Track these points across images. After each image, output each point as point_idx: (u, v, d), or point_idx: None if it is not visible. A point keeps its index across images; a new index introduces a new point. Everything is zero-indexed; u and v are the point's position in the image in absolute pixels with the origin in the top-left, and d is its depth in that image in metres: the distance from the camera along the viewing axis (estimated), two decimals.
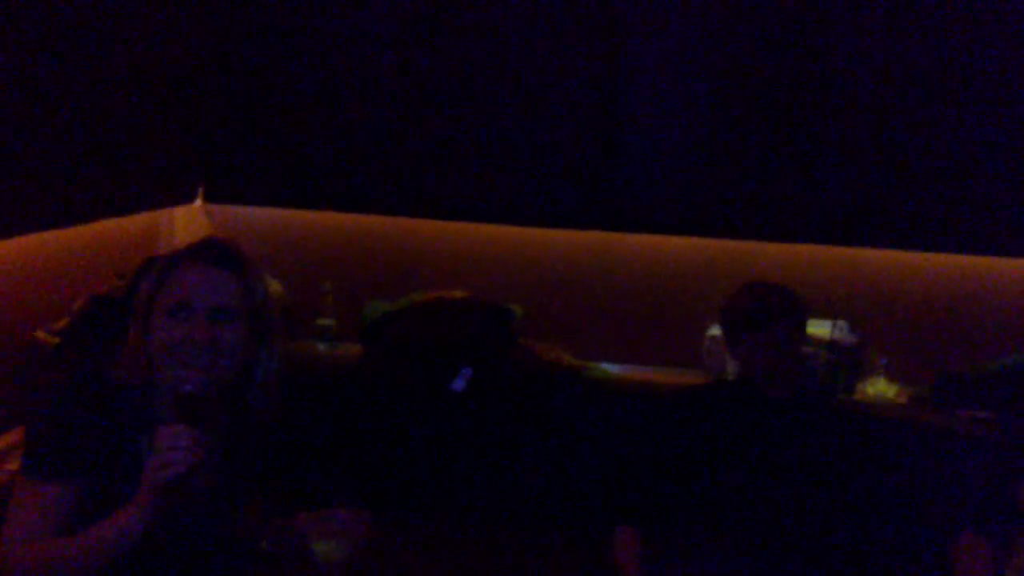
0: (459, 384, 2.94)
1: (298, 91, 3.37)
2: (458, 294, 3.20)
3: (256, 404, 1.84)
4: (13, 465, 2.18)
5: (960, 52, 2.92)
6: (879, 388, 3.04)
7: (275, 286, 3.13)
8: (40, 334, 2.80)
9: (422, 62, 3.21)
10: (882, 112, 2.98)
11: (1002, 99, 2.91)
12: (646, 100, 3.07)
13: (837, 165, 3.01)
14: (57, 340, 2.79)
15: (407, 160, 3.35)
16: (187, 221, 3.51)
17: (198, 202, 3.54)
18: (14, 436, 2.46)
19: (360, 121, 3.34)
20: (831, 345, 3.00)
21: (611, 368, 3.16)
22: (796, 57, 3.00)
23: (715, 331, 2.99)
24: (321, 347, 3.25)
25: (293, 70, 3.34)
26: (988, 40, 2.90)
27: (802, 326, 2.50)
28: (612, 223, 3.17)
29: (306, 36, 3.32)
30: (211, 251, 1.80)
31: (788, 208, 3.04)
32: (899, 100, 2.97)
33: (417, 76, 3.24)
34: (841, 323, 3.03)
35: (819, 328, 3.03)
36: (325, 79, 3.34)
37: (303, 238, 3.53)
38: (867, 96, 2.98)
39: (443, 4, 3.18)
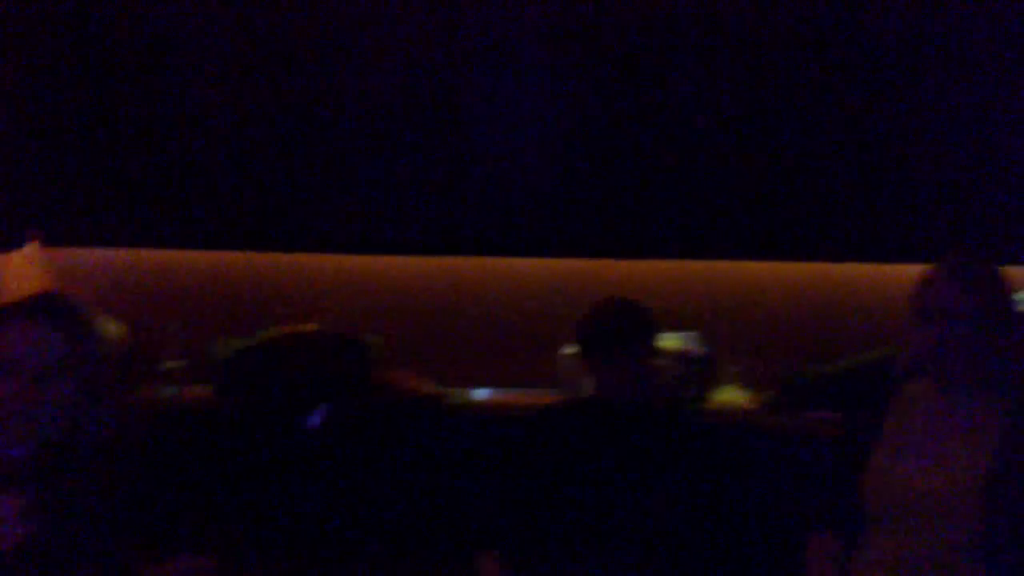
0: (315, 421, 2.90)
1: (136, 129, 3.27)
2: (310, 327, 3.15)
3: (89, 462, 1.75)
4: None
5: (786, 66, 3.04)
6: (731, 396, 3.13)
7: (116, 329, 3.02)
8: None
9: (261, 95, 3.16)
10: (720, 123, 3.07)
11: (835, 106, 3.04)
12: (492, 121, 3.10)
13: (681, 179, 3.09)
14: None
15: (252, 193, 3.29)
16: (19, 267, 3.34)
17: (30, 247, 3.38)
18: None
19: (200, 156, 3.26)
20: (683, 357, 3.07)
21: (471, 393, 3.16)
22: (641, 75, 3.07)
23: (569, 350, 3.02)
24: (169, 390, 3.14)
25: (130, 108, 3.24)
26: (801, 55, 3.04)
27: (654, 341, 2.55)
28: (462, 247, 3.17)
29: (142, 72, 3.23)
30: (36, 307, 1.74)
31: (635, 224, 3.11)
32: (735, 110, 3.07)
33: (256, 109, 3.18)
34: (692, 335, 3.11)
35: (671, 341, 3.10)
36: (163, 115, 3.25)
37: (147, 278, 3.41)
38: (707, 109, 3.07)
39: (282, 34, 3.14)
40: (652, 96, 3.06)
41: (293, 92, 3.18)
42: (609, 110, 3.08)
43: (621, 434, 2.51)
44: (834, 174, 3.08)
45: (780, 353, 3.28)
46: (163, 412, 2.98)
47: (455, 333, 3.38)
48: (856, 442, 2.31)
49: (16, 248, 3.36)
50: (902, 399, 2.27)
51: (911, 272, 2.24)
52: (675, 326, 3.12)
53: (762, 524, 2.77)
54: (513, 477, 2.55)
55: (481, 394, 3.21)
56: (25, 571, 1.59)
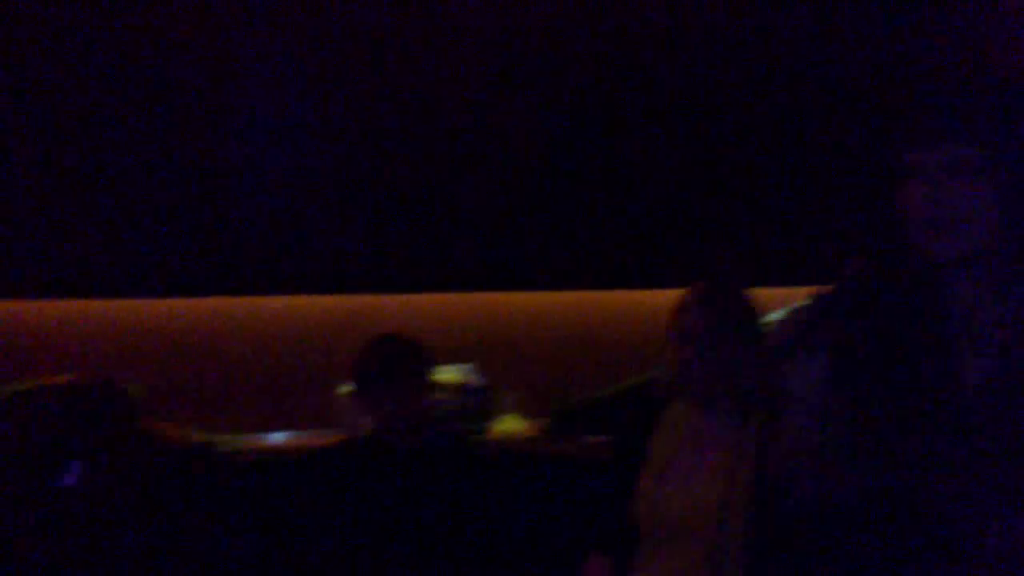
0: (69, 479, 2.71)
1: None
2: (61, 379, 2.94)
3: None
4: None
5: (535, 101, 3.13)
6: (510, 425, 3.17)
7: None
8: None
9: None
10: (484, 155, 3.11)
11: (589, 139, 3.15)
12: (249, 159, 3.01)
13: (447, 213, 3.11)
14: None
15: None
16: None
17: None
18: None
19: None
20: (460, 389, 3.08)
21: (244, 439, 3.05)
22: (400, 110, 3.07)
23: (345, 388, 2.97)
24: None
25: None
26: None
27: (430, 375, 2.55)
28: (225, 287, 3.06)
29: None
30: None
31: (405, 259, 3.10)
32: (498, 143, 3.12)
33: None
34: (468, 366, 3.13)
35: (447, 374, 3.11)
36: None
37: None
38: (474, 143, 3.11)
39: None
40: (415, 130, 3.07)
41: (38, 137, 2.98)
42: (372, 145, 3.07)
43: (399, 473, 2.50)
44: (594, 206, 3.18)
45: (555, 380, 3.35)
46: None
47: (224, 377, 3.25)
48: (625, 465, 2.39)
49: None
50: (665, 421, 2.36)
51: (668, 297, 2.35)
52: (450, 359, 3.13)
53: (540, 549, 2.81)
54: (290, 523, 2.48)
55: (254, 439, 3.09)
56: None
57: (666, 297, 2.40)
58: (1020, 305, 1.57)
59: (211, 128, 2.99)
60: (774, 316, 3.04)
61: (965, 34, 3.01)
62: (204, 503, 2.84)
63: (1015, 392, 1.54)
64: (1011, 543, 1.41)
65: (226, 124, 2.99)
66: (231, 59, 2.98)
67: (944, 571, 1.53)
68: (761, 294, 2.44)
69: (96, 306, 3.20)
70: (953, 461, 1.57)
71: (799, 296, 3.43)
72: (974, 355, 1.58)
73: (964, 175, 1.52)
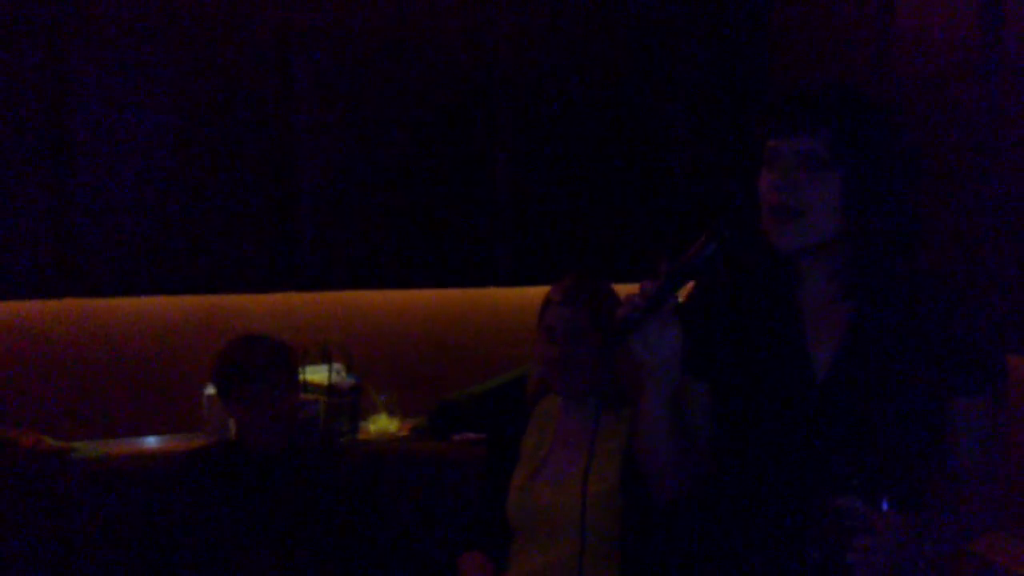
0: None
1: None
2: None
3: None
4: None
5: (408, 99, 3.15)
6: (382, 425, 3.18)
7: None
8: None
9: None
10: (343, 155, 3.11)
11: (455, 138, 3.19)
12: (102, 161, 2.92)
13: (311, 211, 3.09)
14: None
15: None
16: None
17: None
18: None
19: None
20: (330, 389, 3.08)
21: (107, 445, 2.98)
22: (261, 106, 3.04)
23: (212, 390, 2.92)
24: None
25: None
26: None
27: (295, 376, 2.53)
28: (74, 288, 2.96)
29: None
30: None
31: (269, 258, 3.07)
32: (359, 139, 3.12)
33: None
34: (338, 366, 3.12)
35: (316, 374, 3.10)
36: None
37: None
38: (332, 137, 3.10)
39: None
40: (271, 130, 3.04)
41: None
42: (229, 141, 3.01)
43: (263, 477, 2.47)
44: (462, 203, 3.21)
45: (426, 379, 3.38)
46: None
47: (83, 382, 3.15)
48: (498, 462, 2.43)
49: None
50: (536, 417, 2.41)
51: (537, 294, 2.40)
52: (321, 359, 3.12)
53: (414, 548, 2.84)
54: (150, 532, 2.43)
55: (118, 445, 3.02)
56: None
57: (534, 295, 2.45)
58: (864, 297, 1.67)
59: (59, 126, 2.89)
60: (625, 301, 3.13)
61: (819, 29, 3.16)
62: (59, 510, 2.75)
63: (860, 381, 1.64)
64: (838, 521, 1.49)
65: (75, 123, 2.89)
66: (78, 57, 2.88)
67: (794, 555, 1.62)
68: (626, 290, 2.51)
69: None
70: (804, 449, 1.65)
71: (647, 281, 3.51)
72: (823, 345, 1.67)
73: (814, 167, 1.61)
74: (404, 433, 3.19)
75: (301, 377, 3.08)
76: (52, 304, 3.07)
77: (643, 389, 1.66)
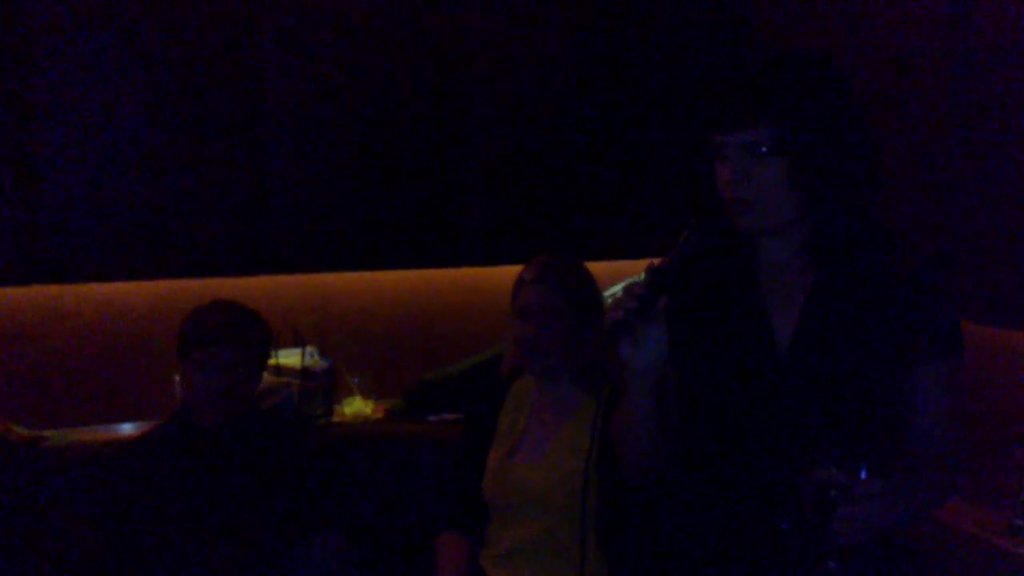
0: None
1: None
2: None
3: None
4: None
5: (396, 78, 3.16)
6: (356, 407, 3.20)
7: None
8: None
9: None
10: (316, 136, 3.11)
11: (421, 118, 3.20)
12: (65, 146, 2.90)
13: (283, 193, 3.09)
14: None
15: None
16: None
17: None
18: None
19: None
20: (303, 372, 3.09)
21: (75, 432, 2.97)
22: (229, 87, 3.03)
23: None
24: None
25: None
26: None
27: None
28: (42, 275, 2.95)
29: None
30: None
31: (241, 241, 3.07)
32: (335, 122, 3.13)
33: None
34: (311, 349, 3.13)
35: (289, 357, 3.11)
36: None
37: None
38: (305, 119, 3.10)
39: None
40: (243, 112, 3.03)
41: None
42: (206, 122, 3.00)
43: (205, 452, 2.41)
44: (433, 184, 3.22)
45: (400, 360, 3.39)
46: None
47: (52, 370, 3.14)
48: (475, 442, 2.45)
49: None
50: (512, 396, 2.44)
51: (509, 273, 2.43)
52: (294, 341, 3.13)
53: (392, 529, 2.86)
54: (100, 515, 2.41)
55: (91, 432, 3.02)
56: None
57: (507, 274, 2.47)
58: (823, 269, 1.71)
59: (25, 112, 2.87)
60: (612, 290, 3.18)
61: (764, 20, 3.20)
62: (31, 500, 2.75)
63: (822, 351, 1.68)
64: (820, 492, 1.53)
65: (41, 108, 2.87)
66: (44, 39, 2.86)
67: (769, 525, 1.66)
68: (599, 268, 2.54)
69: None
70: (770, 419, 1.69)
71: (636, 269, 3.57)
72: (785, 317, 1.71)
73: (761, 156, 1.65)
74: (379, 415, 3.20)
75: (273, 361, 3.09)
76: (20, 291, 3.06)
77: (625, 384, 1.69)
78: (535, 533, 2.30)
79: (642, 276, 1.63)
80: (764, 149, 1.65)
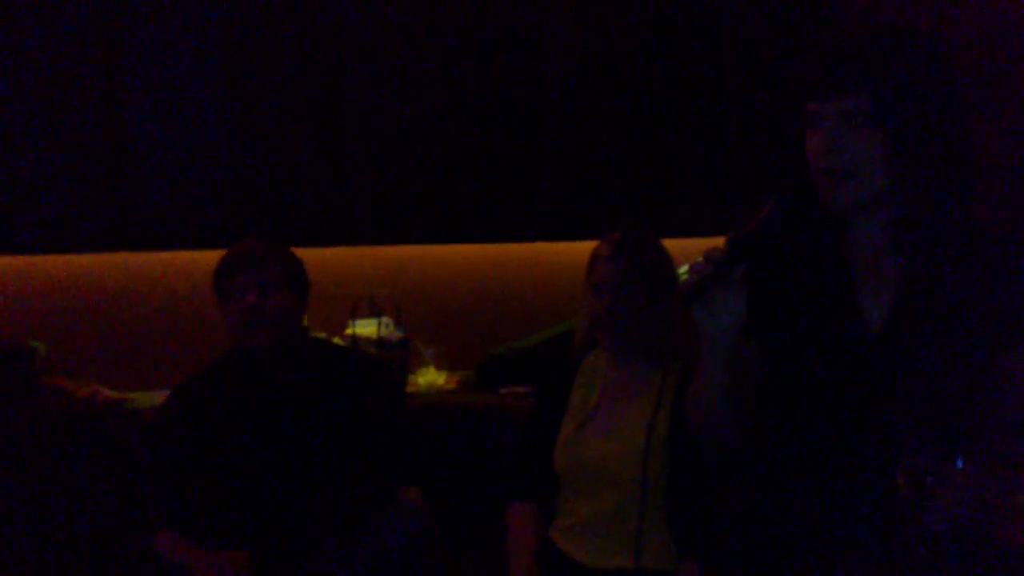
0: None
1: None
2: None
3: None
4: None
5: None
6: (430, 378, 3.25)
7: None
8: None
9: None
10: (392, 110, 3.14)
11: (496, 93, 3.20)
12: (150, 117, 2.98)
13: (363, 165, 3.13)
14: None
15: None
16: None
17: None
18: None
19: None
20: (379, 343, 3.14)
21: (158, 395, 3.06)
22: (309, 60, 3.07)
23: None
24: None
25: None
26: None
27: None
28: (129, 242, 3.04)
29: None
30: None
31: (317, 212, 3.13)
32: (402, 98, 3.15)
33: None
34: (387, 320, 3.18)
35: (366, 328, 3.16)
36: None
37: None
38: (376, 97, 3.13)
39: None
40: (317, 85, 3.07)
41: None
42: (267, 99, 3.06)
43: (251, 381, 2.46)
44: (511, 158, 3.24)
45: (472, 333, 3.43)
46: None
47: (133, 334, 3.25)
48: (547, 415, 2.47)
49: None
50: (584, 370, 2.46)
51: (584, 248, 2.43)
52: (370, 312, 3.18)
53: (464, 498, 2.91)
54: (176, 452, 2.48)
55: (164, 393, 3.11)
56: None
57: (582, 249, 2.48)
58: (915, 250, 1.68)
59: (112, 84, 2.96)
60: (685, 268, 3.15)
61: None
62: (116, 460, 2.84)
63: (915, 334, 1.65)
64: (915, 479, 1.51)
65: (127, 81, 2.96)
66: (130, 23, 2.93)
67: (849, 509, 1.65)
68: (675, 245, 2.53)
69: None
70: (860, 404, 1.67)
71: (712, 247, 3.53)
72: (876, 299, 1.69)
73: (858, 126, 1.62)
74: (452, 386, 3.26)
75: (350, 330, 3.15)
76: (107, 257, 3.17)
77: (700, 353, 1.69)
78: (605, 506, 2.33)
79: (723, 244, 1.62)
80: (861, 119, 1.62)
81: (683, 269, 3.15)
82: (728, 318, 1.63)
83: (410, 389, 3.21)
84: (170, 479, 2.46)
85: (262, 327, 2.42)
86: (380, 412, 2.50)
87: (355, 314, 3.19)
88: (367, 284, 3.27)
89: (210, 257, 3.25)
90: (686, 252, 3.17)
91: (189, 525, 2.40)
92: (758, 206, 1.65)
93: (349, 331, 3.18)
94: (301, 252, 3.19)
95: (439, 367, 3.28)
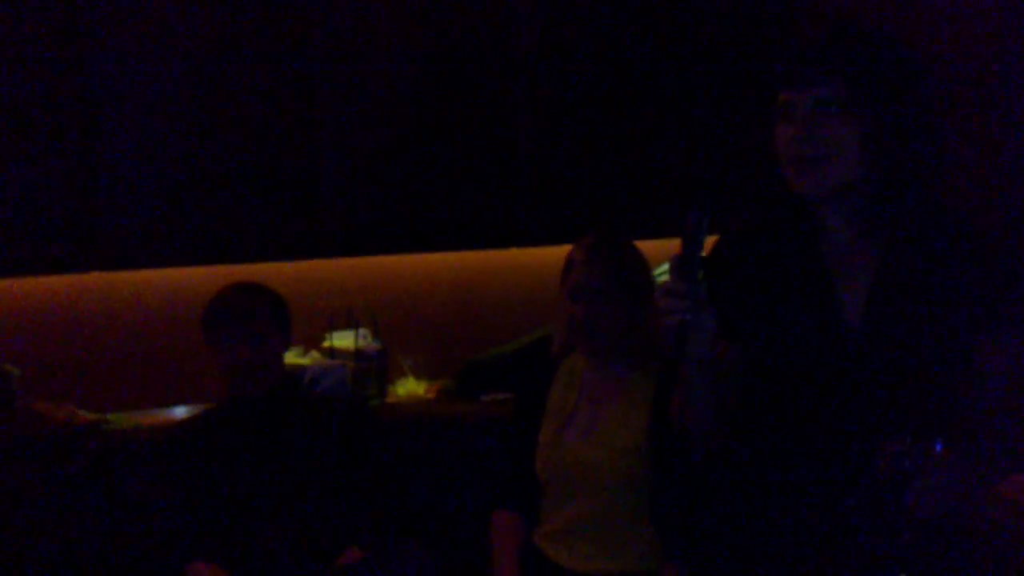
0: None
1: None
2: None
3: None
4: None
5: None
6: (409, 388, 3.25)
7: None
8: None
9: None
10: (365, 120, 3.13)
11: (470, 101, 3.20)
12: (120, 134, 2.96)
13: (331, 179, 3.12)
14: None
15: None
16: None
17: None
18: None
19: None
20: (357, 354, 3.12)
21: (136, 416, 3.04)
22: (280, 71, 3.06)
23: None
24: None
25: None
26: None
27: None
28: (101, 262, 3.02)
29: None
30: None
31: (291, 226, 3.12)
32: (375, 107, 3.14)
33: None
34: (364, 331, 3.17)
35: (343, 339, 3.14)
36: None
37: None
38: (349, 106, 3.12)
39: None
40: (289, 96, 3.06)
41: None
42: (238, 110, 3.04)
43: (241, 431, 2.52)
44: (481, 165, 3.24)
45: (451, 341, 3.42)
46: None
47: (104, 355, 3.21)
48: (526, 420, 2.46)
49: None
50: (562, 374, 2.45)
51: (560, 253, 2.42)
52: (347, 324, 3.17)
53: (445, 509, 2.89)
54: (157, 494, 2.55)
55: (150, 415, 3.10)
56: None
57: (557, 254, 2.47)
58: (889, 238, 1.68)
59: (81, 102, 2.93)
60: (661, 268, 3.16)
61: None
62: (93, 482, 2.82)
63: (893, 323, 1.66)
64: (895, 464, 1.52)
65: (97, 98, 2.93)
66: (100, 32, 2.91)
67: (833, 501, 1.65)
68: (650, 246, 2.53)
69: None
70: (842, 395, 1.67)
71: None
72: (852, 290, 1.69)
73: (833, 113, 1.62)
74: (432, 395, 3.25)
75: (327, 343, 3.14)
76: (80, 278, 3.15)
77: (680, 363, 1.68)
78: (587, 509, 2.33)
79: (670, 272, 1.61)
80: (836, 108, 1.63)
81: (659, 270, 3.17)
82: (707, 333, 1.63)
83: (390, 400, 3.21)
84: (192, 511, 2.50)
85: (253, 378, 2.50)
86: (361, 451, 2.55)
87: (332, 326, 3.18)
88: (344, 296, 3.26)
89: (184, 275, 3.26)
90: (661, 253, 3.20)
91: (218, 554, 2.44)
92: (723, 210, 1.65)
93: (327, 344, 3.17)
94: (276, 266, 3.21)
95: (418, 377, 3.27)
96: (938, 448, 1.51)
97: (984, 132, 2.51)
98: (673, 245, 3.48)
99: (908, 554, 1.53)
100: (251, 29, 3.05)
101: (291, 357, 2.99)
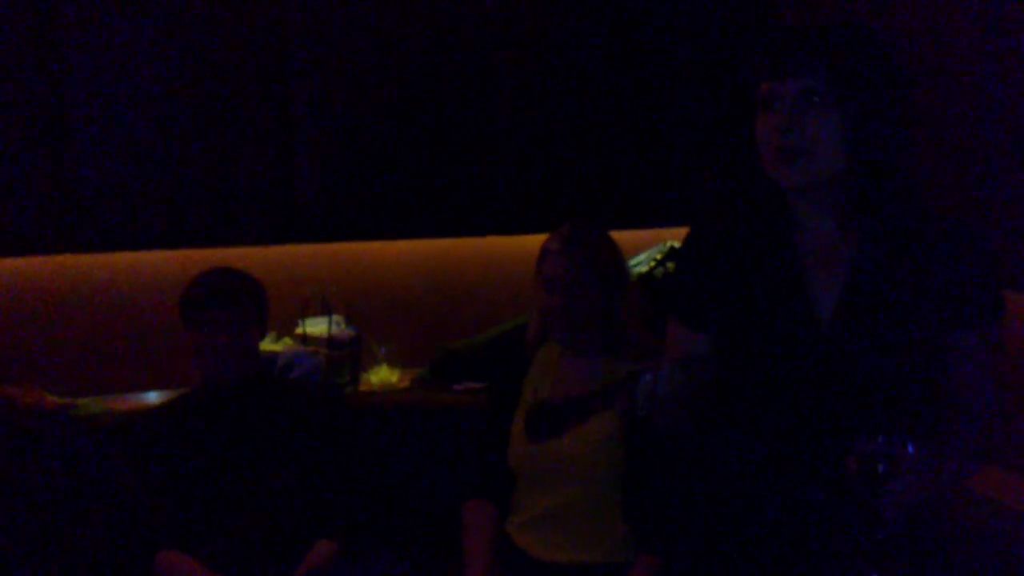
0: None
1: None
2: None
3: None
4: None
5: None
6: (382, 376, 3.23)
7: None
8: None
9: None
10: (341, 105, 3.11)
11: (446, 88, 3.19)
12: (93, 115, 2.94)
13: (306, 164, 3.10)
14: None
15: None
16: None
17: None
18: None
19: None
20: (331, 341, 3.10)
21: (106, 400, 3.01)
22: (255, 53, 3.03)
23: None
24: None
25: None
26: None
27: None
28: (72, 244, 2.99)
29: None
30: None
31: (265, 210, 3.10)
32: (350, 92, 3.12)
33: None
34: (338, 318, 3.15)
35: (317, 326, 3.12)
36: None
37: None
38: (324, 91, 3.10)
39: None
40: (264, 80, 3.04)
41: None
42: (212, 93, 3.02)
43: (217, 417, 2.52)
44: (458, 152, 3.23)
45: (425, 329, 3.42)
46: None
47: (75, 339, 3.19)
48: (501, 410, 2.45)
49: None
50: (536, 364, 2.44)
51: (536, 242, 2.41)
52: (321, 311, 3.15)
53: (421, 498, 2.88)
54: (129, 481, 2.55)
55: (120, 400, 3.06)
56: None
57: (533, 243, 2.46)
58: (865, 234, 1.68)
59: (53, 82, 2.90)
60: (637, 259, 3.15)
61: None
62: (62, 467, 2.79)
63: (865, 322, 1.65)
64: (867, 465, 1.51)
65: (69, 79, 2.90)
66: (71, 12, 2.86)
67: (804, 497, 1.66)
68: (624, 236, 2.52)
69: None
70: (813, 392, 1.67)
71: (661, 237, 3.56)
72: (826, 288, 1.69)
73: (816, 104, 1.62)
74: (405, 384, 3.23)
75: (300, 330, 3.11)
76: (50, 260, 3.12)
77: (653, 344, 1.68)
78: (561, 500, 2.33)
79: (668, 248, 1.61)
80: (819, 99, 1.62)
81: (636, 260, 3.15)
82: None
83: (363, 388, 3.19)
84: (164, 499, 2.48)
85: (229, 364, 2.49)
86: (334, 439, 2.55)
87: (305, 313, 3.15)
88: (317, 282, 3.24)
89: (156, 258, 3.24)
90: (636, 243, 3.20)
91: (189, 543, 2.44)
92: (702, 199, 1.64)
93: (300, 330, 3.15)
94: (249, 251, 3.18)
95: (392, 365, 3.25)
96: (910, 450, 1.51)
97: (960, 128, 2.52)
98: (648, 235, 3.49)
99: (880, 553, 1.53)
100: (227, 12, 3.02)
101: (264, 343, 2.96)
